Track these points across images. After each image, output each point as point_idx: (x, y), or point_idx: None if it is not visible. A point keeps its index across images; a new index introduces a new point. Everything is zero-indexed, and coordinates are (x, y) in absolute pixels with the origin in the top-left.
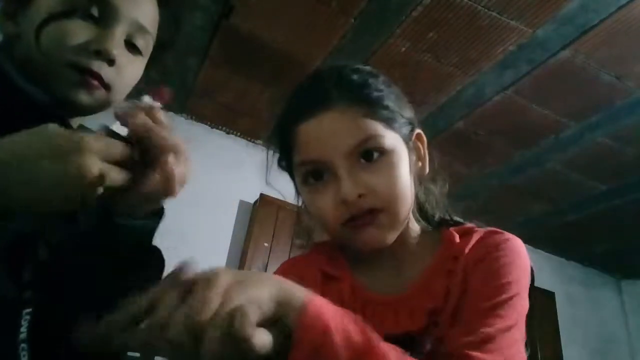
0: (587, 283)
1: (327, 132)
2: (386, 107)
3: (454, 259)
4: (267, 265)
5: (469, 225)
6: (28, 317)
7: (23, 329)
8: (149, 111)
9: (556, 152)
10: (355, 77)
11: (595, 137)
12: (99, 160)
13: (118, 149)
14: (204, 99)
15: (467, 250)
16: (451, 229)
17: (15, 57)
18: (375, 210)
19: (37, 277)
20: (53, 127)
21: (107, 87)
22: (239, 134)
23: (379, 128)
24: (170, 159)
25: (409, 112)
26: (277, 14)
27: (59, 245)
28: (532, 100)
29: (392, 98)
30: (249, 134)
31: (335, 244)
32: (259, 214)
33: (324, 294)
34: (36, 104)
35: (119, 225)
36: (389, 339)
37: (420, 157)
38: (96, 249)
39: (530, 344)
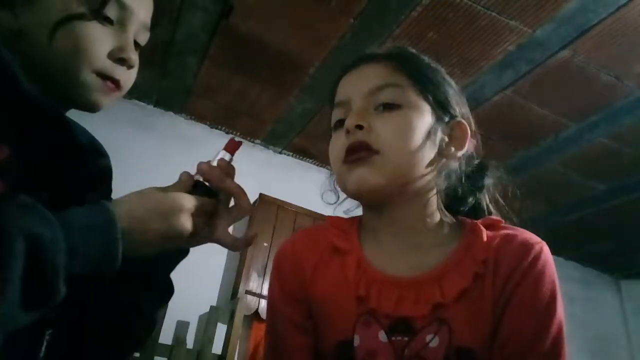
0: (586, 283)
1: (357, 76)
2: (424, 76)
3: (482, 263)
4: (266, 265)
5: (494, 218)
6: (48, 337)
7: (43, 349)
8: (227, 169)
9: (556, 152)
10: (408, 52)
11: (594, 137)
12: (194, 217)
13: (207, 206)
14: (204, 99)
15: (496, 253)
16: (478, 222)
17: (18, 55)
18: (372, 150)
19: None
20: (154, 192)
21: (120, 88)
22: (239, 134)
23: (405, 83)
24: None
25: (454, 99)
26: (277, 13)
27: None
28: (531, 100)
29: (437, 77)
30: (249, 134)
31: (351, 220)
32: (259, 214)
33: (328, 265)
34: (36, 103)
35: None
36: (386, 319)
37: (456, 143)
38: (131, 271)
39: None
